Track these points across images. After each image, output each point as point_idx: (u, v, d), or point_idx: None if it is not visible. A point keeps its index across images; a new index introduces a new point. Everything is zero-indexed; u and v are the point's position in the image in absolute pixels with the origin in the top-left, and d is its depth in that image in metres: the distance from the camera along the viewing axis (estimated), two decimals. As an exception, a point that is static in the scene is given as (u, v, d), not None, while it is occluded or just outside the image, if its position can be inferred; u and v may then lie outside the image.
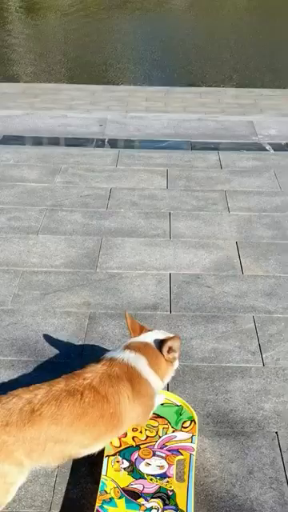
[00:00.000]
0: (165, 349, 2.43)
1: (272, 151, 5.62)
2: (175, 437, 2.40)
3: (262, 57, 12.75)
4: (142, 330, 2.53)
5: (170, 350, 2.44)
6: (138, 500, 2.10)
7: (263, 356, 3.00)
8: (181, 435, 2.41)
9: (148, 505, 2.08)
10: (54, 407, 2.10)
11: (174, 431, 2.43)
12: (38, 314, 3.28)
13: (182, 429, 2.44)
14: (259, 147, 5.71)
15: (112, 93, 8.92)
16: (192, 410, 2.56)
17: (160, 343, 2.44)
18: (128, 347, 2.42)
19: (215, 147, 5.64)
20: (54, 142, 5.77)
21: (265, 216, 4.38)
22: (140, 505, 2.08)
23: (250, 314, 3.32)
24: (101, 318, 3.24)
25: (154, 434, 2.40)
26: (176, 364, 2.52)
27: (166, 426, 2.44)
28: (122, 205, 4.50)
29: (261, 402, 2.71)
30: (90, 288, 3.50)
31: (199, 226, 4.21)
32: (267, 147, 5.70)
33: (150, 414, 2.45)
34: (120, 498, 2.10)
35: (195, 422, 2.48)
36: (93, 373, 2.27)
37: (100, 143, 5.72)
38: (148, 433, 2.41)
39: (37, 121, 6.38)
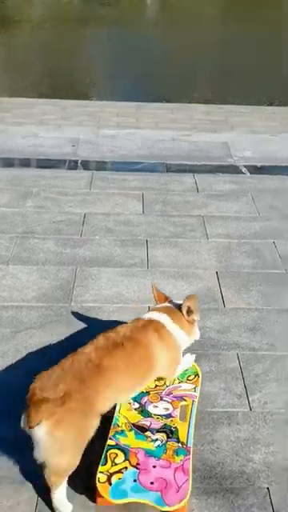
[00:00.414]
0: (184, 309, 2.73)
1: (248, 174, 5.52)
2: (180, 386, 2.75)
3: (234, 73, 12.79)
4: (167, 299, 2.89)
5: (189, 310, 2.73)
6: (146, 433, 2.45)
7: (250, 399, 2.84)
8: (185, 385, 2.76)
9: (154, 437, 2.43)
10: (109, 359, 2.41)
11: (179, 382, 2.78)
12: (9, 354, 3.06)
13: (187, 381, 2.80)
14: (235, 170, 5.61)
15: (84, 108, 8.76)
16: (197, 366, 2.90)
17: (180, 306, 2.76)
18: (152, 310, 2.80)
19: (191, 169, 5.51)
20: (25, 163, 5.54)
21: (244, 243, 4.25)
22: (147, 436, 2.43)
23: (234, 352, 3.16)
24: (77, 359, 3.04)
25: (162, 383, 2.75)
26: (197, 331, 2.84)
27: (174, 379, 2.79)
28: (97, 231, 4.32)
29: (249, 453, 2.55)
30: (64, 324, 3.30)
31: (177, 255, 4.05)
32: (243, 170, 5.60)
33: (179, 369, 2.78)
34: (130, 430, 2.45)
35: (199, 376, 2.84)
36: (124, 327, 2.61)
37: (73, 165, 5.53)
38: (157, 382, 2.75)
39: (7, 140, 6.15)
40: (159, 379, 2.74)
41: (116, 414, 2.50)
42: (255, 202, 4.93)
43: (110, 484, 2.19)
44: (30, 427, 2.15)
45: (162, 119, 7.99)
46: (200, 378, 2.82)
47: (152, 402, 2.62)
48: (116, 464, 2.27)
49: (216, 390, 2.88)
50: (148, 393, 2.68)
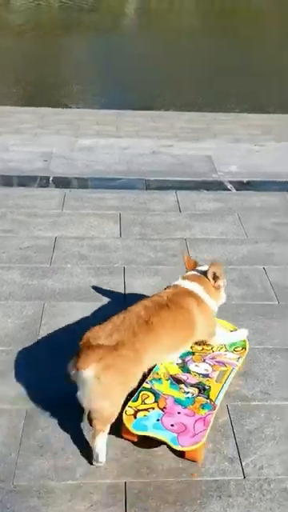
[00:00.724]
0: (209, 276, 2.91)
1: (234, 190, 5.15)
2: (225, 355, 2.91)
3: (216, 80, 12.52)
4: (196, 264, 3.07)
5: (215, 276, 2.91)
6: (180, 385, 2.64)
7: (243, 464, 2.43)
8: (230, 355, 2.92)
9: (186, 389, 2.62)
10: (157, 317, 2.59)
11: (226, 351, 2.94)
12: None
13: (234, 351, 2.95)
14: (220, 186, 5.24)
15: (63, 116, 8.39)
16: (247, 341, 3.03)
17: (205, 273, 2.93)
18: (185, 278, 2.95)
19: (172, 186, 5.12)
20: (-9, 180, 5.11)
21: (231, 270, 3.85)
22: (180, 388, 2.63)
23: (224, 403, 2.75)
24: (41, 418, 2.60)
25: (209, 348, 2.94)
26: (223, 295, 3.01)
27: (221, 346, 2.97)
28: (69, 258, 3.89)
29: (245, 537, 2.14)
30: (28, 373, 2.86)
31: (158, 285, 3.61)
32: (228, 186, 5.22)
33: (218, 336, 2.95)
34: (167, 380, 2.65)
35: (245, 349, 2.98)
36: (166, 293, 2.80)
37: (44, 182, 5.10)
38: (205, 346, 2.94)
39: (-27, 154, 5.72)
40: (207, 344, 2.94)
41: (158, 364, 2.72)
42: (242, 222, 4.55)
43: (135, 418, 2.41)
44: (78, 368, 2.30)
45: (143, 127, 7.67)
46: (246, 351, 2.96)
47: (194, 362, 2.82)
48: (145, 403, 2.50)
49: (204, 453, 2.47)
50: (193, 353, 2.88)
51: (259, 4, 27.24)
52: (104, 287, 3.59)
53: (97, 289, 3.57)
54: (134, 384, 2.48)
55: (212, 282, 2.91)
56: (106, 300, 3.46)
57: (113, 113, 8.86)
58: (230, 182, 5.29)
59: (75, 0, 25.35)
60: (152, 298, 2.75)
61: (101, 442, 2.33)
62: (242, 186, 5.25)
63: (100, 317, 3.27)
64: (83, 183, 5.13)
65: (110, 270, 3.77)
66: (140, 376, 2.52)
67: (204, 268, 2.97)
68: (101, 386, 2.29)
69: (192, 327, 2.78)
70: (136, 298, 3.46)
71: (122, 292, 3.54)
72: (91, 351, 2.32)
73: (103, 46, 16.19)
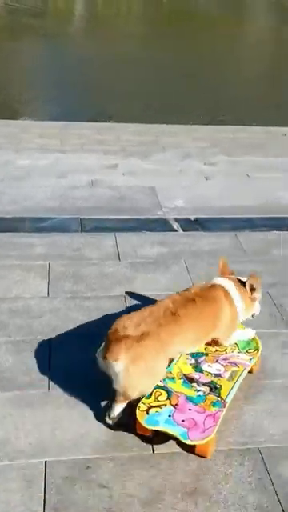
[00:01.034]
0: (248, 287, 2.99)
1: (181, 231, 4.60)
2: (238, 356, 2.96)
3: (164, 91, 12.12)
4: (230, 273, 3.12)
5: (252, 288, 3.00)
6: (192, 383, 2.74)
7: None
8: (243, 356, 2.96)
9: (198, 388, 2.72)
10: (183, 309, 2.73)
11: (238, 352, 2.99)
12: None
13: (246, 352, 2.99)
14: (164, 225, 4.68)
15: (3, 128, 7.72)
16: (259, 343, 3.05)
17: (244, 283, 3.02)
18: (222, 277, 3.03)
19: (111, 227, 4.52)
20: None
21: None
22: (192, 386, 2.72)
23: None
24: None
25: (222, 350, 2.99)
26: (258, 307, 3.10)
27: (234, 348, 3.01)
28: (-17, 329, 3.23)
29: None
30: None
31: (87, 363, 3.01)
32: (174, 225, 4.67)
33: (234, 336, 3.00)
34: (180, 379, 2.75)
35: (258, 351, 3.01)
36: (196, 287, 2.93)
37: None
38: (218, 348, 2.98)
39: None
40: (221, 347, 2.97)
41: (172, 364, 2.79)
42: (189, 271, 3.99)
43: (148, 414, 2.51)
44: (108, 359, 2.48)
45: (88, 140, 7.15)
46: (259, 352, 3.01)
47: (207, 362, 2.87)
48: (158, 400, 2.58)
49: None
50: (207, 354, 2.93)
51: (206, 8, 27.24)
52: (24, 369, 2.94)
53: (14, 372, 2.92)
54: (162, 373, 2.64)
55: (249, 292, 3.00)
56: (25, 388, 2.82)
57: (59, 125, 8.33)
58: (176, 220, 4.75)
59: (21, 2, 24.66)
60: (181, 293, 2.85)
61: (117, 408, 2.58)
62: (189, 224, 4.70)
63: (15, 414, 2.66)
64: (7, 224, 4.45)
65: (32, 345, 3.13)
66: (166, 365, 2.66)
67: (243, 279, 3.05)
68: (129, 376, 2.48)
69: (213, 324, 2.87)
70: (61, 385, 2.87)
71: (47, 374, 2.91)
72: (118, 342, 2.48)
73: (50, 52, 15.58)
